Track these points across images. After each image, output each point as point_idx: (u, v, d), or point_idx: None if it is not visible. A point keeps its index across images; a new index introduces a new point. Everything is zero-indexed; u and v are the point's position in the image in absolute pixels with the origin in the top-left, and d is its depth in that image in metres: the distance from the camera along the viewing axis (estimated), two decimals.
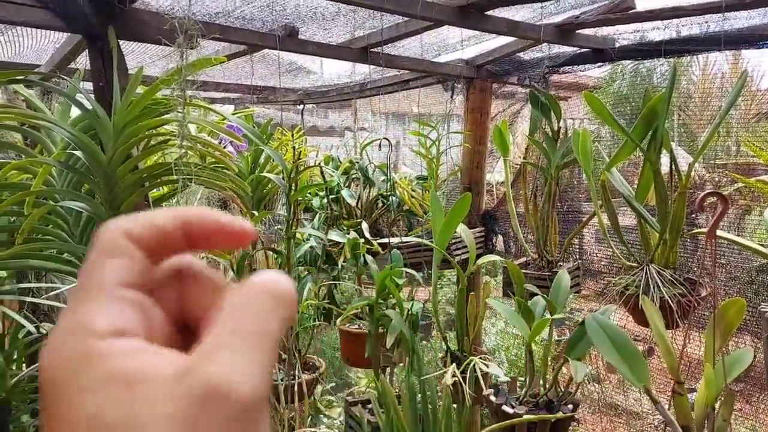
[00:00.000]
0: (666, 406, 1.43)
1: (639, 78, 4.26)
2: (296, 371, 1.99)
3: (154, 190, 1.99)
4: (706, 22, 2.01)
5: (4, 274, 2.47)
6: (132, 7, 1.81)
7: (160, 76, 2.47)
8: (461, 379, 1.58)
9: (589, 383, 5.30)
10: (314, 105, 4.66)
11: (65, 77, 1.82)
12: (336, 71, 4.32)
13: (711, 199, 1.40)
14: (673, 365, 1.45)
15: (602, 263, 3.65)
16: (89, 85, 1.93)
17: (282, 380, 1.92)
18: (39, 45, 2.80)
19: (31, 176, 2.00)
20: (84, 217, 2.08)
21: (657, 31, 2.31)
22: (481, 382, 1.73)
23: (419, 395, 1.52)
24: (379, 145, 2.61)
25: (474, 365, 1.64)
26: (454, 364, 1.67)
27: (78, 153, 1.76)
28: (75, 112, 2.11)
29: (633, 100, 3.76)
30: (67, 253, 2.05)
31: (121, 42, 1.77)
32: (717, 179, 4.22)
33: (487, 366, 1.67)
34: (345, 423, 1.92)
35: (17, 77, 1.79)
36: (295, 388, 1.92)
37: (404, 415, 1.48)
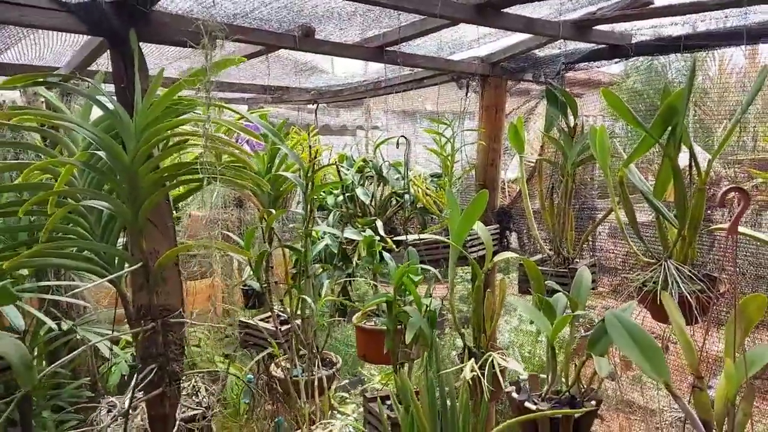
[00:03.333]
0: (686, 401, 1.44)
1: (654, 74, 4.21)
2: (315, 367, 2.01)
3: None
4: (726, 17, 1.99)
5: (24, 272, 2.52)
6: (153, 10, 1.83)
7: (177, 77, 2.50)
8: (480, 374, 1.59)
9: (605, 380, 5.26)
10: (326, 104, 4.67)
11: (87, 79, 1.85)
12: (348, 69, 4.34)
13: (731, 194, 1.39)
14: (693, 360, 1.45)
15: (618, 260, 3.63)
16: (109, 87, 1.96)
17: (302, 375, 1.94)
18: (58, 48, 2.84)
19: (51, 176, 2.03)
20: (105, 216, 2.12)
21: (674, 27, 2.29)
22: (499, 377, 1.74)
23: (437, 390, 1.53)
24: (397, 143, 2.62)
25: (492, 360, 1.65)
26: (473, 360, 1.68)
27: (101, 153, 1.79)
28: (95, 113, 2.15)
29: (648, 97, 3.72)
30: (87, 251, 2.09)
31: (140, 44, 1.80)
32: (734, 175, 4.18)
33: (506, 361, 1.67)
34: (363, 419, 1.94)
35: (39, 79, 1.82)
36: (315, 383, 1.94)
37: (423, 409, 1.49)
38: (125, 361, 3.47)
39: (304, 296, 1.97)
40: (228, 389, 3.15)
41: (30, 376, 1.55)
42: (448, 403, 1.52)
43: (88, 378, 3.20)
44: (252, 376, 3.01)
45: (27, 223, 2.36)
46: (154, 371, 1.80)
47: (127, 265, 2.14)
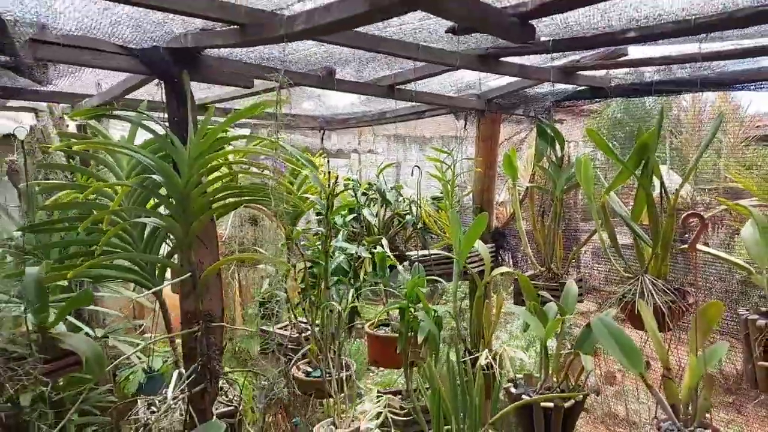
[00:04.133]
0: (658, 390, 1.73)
1: (632, 104, 4.50)
2: (336, 368, 2.27)
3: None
4: (690, 67, 2.34)
5: (65, 282, 2.75)
6: (202, 55, 2.13)
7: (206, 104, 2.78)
8: (492, 361, 1.87)
9: (589, 395, 5.54)
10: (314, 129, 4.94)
11: (146, 112, 2.12)
12: (348, 100, 4.64)
13: (691, 219, 1.70)
14: (663, 355, 1.75)
15: (600, 276, 3.94)
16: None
17: (325, 375, 2.20)
18: (90, 79, 3.11)
19: (93, 196, 2.29)
20: (147, 231, 2.38)
21: (649, 72, 2.64)
22: (497, 373, 2.02)
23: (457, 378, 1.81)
24: (411, 172, 2.92)
25: (503, 351, 1.93)
26: (486, 350, 1.96)
27: (156, 177, 2.06)
28: (138, 138, 2.42)
29: (626, 124, 4.05)
30: (128, 261, 2.34)
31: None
32: (708, 201, 4.54)
33: (515, 351, 1.96)
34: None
35: (103, 113, 2.11)
36: (335, 382, 2.20)
37: (446, 392, 1.76)
38: (142, 370, 3.68)
39: (332, 303, 2.24)
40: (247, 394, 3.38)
41: (100, 370, 1.79)
42: (467, 385, 1.80)
43: (109, 385, 3.40)
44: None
45: (75, 238, 2.57)
46: (198, 369, 2.05)
47: (169, 275, 2.40)
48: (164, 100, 2.13)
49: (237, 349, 4.20)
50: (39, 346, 1.66)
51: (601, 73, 2.73)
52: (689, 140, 5.36)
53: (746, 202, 2.47)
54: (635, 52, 2.43)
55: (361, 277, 3.11)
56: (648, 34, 1.65)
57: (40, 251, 2.50)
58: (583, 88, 2.77)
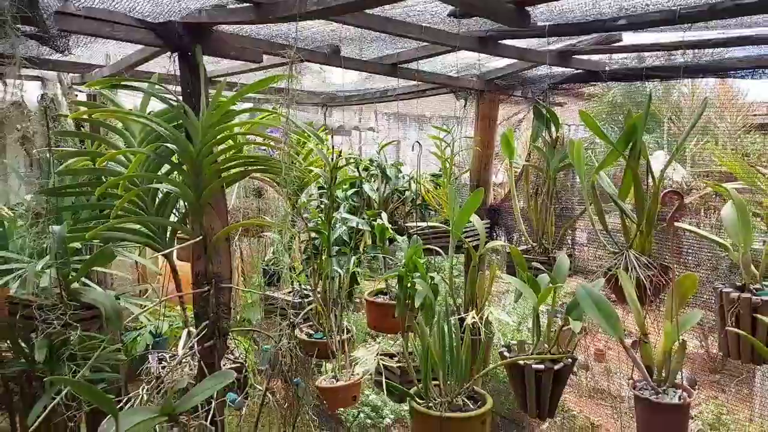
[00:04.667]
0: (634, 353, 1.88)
1: (633, 89, 4.47)
2: (337, 331, 2.42)
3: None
4: (686, 52, 2.45)
5: (78, 245, 2.88)
6: (214, 30, 2.23)
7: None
8: (479, 322, 2.02)
9: (578, 371, 5.77)
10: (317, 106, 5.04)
11: (159, 84, 2.22)
12: (348, 78, 4.73)
13: (673, 197, 1.84)
14: (640, 321, 1.89)
15: (592, 259, 4.07)
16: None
17: (328, 336, 2.36)
18: (100, 50, 3.21)
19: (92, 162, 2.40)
20: (159, 197, 2.50)
21: (651, 57, 2.73)
22: (482, 332, 2.16)
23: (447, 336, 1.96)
24: (412, 147, 3.03)
25: (490, 312, 2.08)
26: (473, 311, 2.11)
27: (170, 145, 2.18)
28: (150, 108, 2.53)
29: (627, 108, 4.11)
30: (140, 225, 2.47)
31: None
32: (703, 186, 4.67)
33: (500, 314, 2.10)
34: (374, 370, 2.37)
35: (121, 82, 2.21)
36: (337, 342, 2.35)
37: (435, 348, 1.92)
38: (150, 332, 3.84)
39: (335, 268, 2.38)
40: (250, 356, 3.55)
41: (119, 322, 1.94)
42: (455, 343, 1.95)
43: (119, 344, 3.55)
44: (268, 347, 3.41)
45: (87, 203, 2.68)
46: (207, 327, 2.19)
47: (172, 239, 2.53)
48: (177, 73, 2.23)
49: (240, 318, 4.36)
50: (62, 299, 1.80)
51: (598, 57, 2.83)
52: (687, 125, 5.44)
53: (729, 185, 2.60)
54: (630, 38, 2.54)
55: (361, 249, 3.26)
56: (637, 22, 1.76)
57: (53, 215, 2.63)
58: (579, 71, 2.88)
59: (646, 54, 2.73)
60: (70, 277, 2.00)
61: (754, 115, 5.77)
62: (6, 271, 2.67)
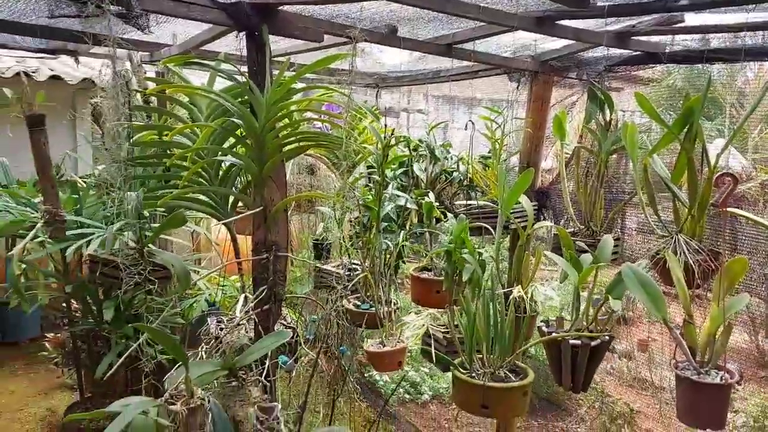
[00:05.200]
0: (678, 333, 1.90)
1: (696, 72, 4.19)
2: (384, 303, 2.53)
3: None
4: (745, 35, 2.39)
5: (145, 213, 3.08)
6: (280, 10, 2.33)
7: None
8: (524, 296, 2.08)
9: (620, 359, 5.72)
10: (369, 86, 5.10)
11: (228, 61, 2.36)
12: (398, 59, 4.76)
13: (726, 179, 1.83)
14: (687, 304, 1.91)
15: (639, 252, 4.00)
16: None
17: (376, 306, 2.47)
18: (164, 29, 3.37)
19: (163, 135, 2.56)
20: (223, 169, 2.65)
21: (717, 39, 2.67)
22: (528, 307, 2.22)
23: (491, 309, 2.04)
24: (465, 126, 3.09)
25: (534, 288, 2.14)
26: (519, 286, 2.17)
27: (236, 120, 2.32)
28: (217, 85, 2.67)
29: (686, 92, 3.96)
30: (202, 195, 2.63)
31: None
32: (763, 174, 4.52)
33: (545, 289, 2.16)
34: (422, 341, 2.47)
35: (194, 60, 2.36)
36: (384, 311, 2.46)
37: (480, 321, 2.00)
38: (206, 300, 4.07)
39: (386, 241, 2.48)
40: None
41: (187, 282, 2.11)
42: (499, 317, 2.03)
43: (177, 309, 3.79)
44: (315, 317, 3.56)
45: (152, 174, 2.86)
46: (265, 292, 2.34)
47: (233, 209, 2.68)
48: (243, 53, 2.36)
49: (288, 290, 4.55)
50: (142, 256, 1.97)
51: (657, 39, 2.79)
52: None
53: None
54: (692, 19, 2.49)
55: (407, 227, 3.35)
56: (699, 2, 1.75)
57: (126, 184, 2.83)
58: (637, 53, 2.84)
59: (710, 36, 2.67)
60: (145, 239, 2.17)
61: None
62: (81, 234, 2.91)
